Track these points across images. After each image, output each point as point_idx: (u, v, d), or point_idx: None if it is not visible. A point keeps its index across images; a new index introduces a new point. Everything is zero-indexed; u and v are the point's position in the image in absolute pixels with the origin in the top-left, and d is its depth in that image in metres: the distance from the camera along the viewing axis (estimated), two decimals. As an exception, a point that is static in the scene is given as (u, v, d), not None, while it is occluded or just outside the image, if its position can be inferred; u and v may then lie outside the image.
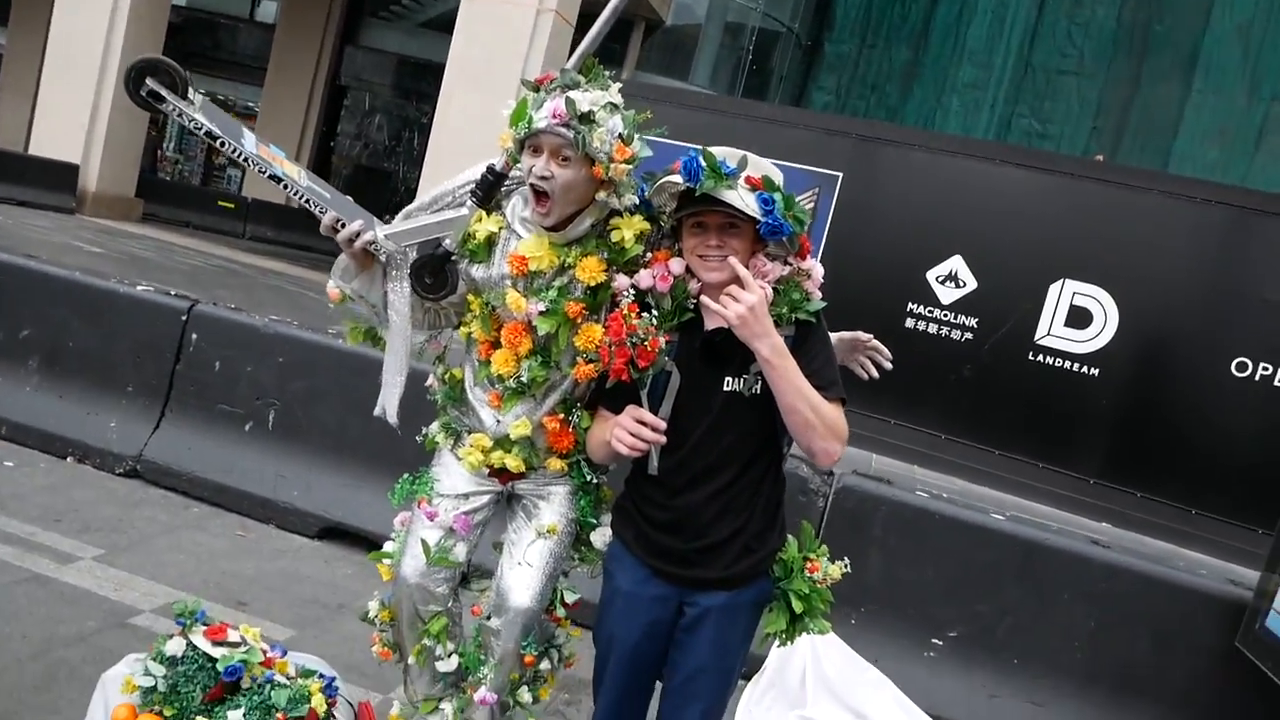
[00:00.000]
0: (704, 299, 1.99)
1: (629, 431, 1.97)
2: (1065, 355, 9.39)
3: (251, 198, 20.30)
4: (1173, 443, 9.07)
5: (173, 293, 4.96)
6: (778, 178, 1.99)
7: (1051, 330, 9.47)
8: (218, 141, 2.01)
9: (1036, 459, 9.46)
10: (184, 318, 4.73)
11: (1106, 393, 9.26)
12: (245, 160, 2.03)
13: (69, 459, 4.76)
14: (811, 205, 10.35)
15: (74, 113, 15.78)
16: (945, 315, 9.81)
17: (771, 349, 1.90)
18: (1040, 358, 9.49)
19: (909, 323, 9.94)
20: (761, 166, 1.98)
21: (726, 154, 1.95)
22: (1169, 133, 15.49)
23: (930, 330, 9.87)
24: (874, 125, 11.90)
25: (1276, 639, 3.20)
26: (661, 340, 2.00)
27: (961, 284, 9.77)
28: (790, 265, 2.04)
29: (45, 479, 4.51)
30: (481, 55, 13.29)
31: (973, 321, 9.70)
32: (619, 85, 2.04)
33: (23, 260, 5.03)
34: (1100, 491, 9.24)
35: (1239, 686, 3.41)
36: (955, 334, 9.80)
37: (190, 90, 2.01)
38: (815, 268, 2.05)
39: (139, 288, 4.91)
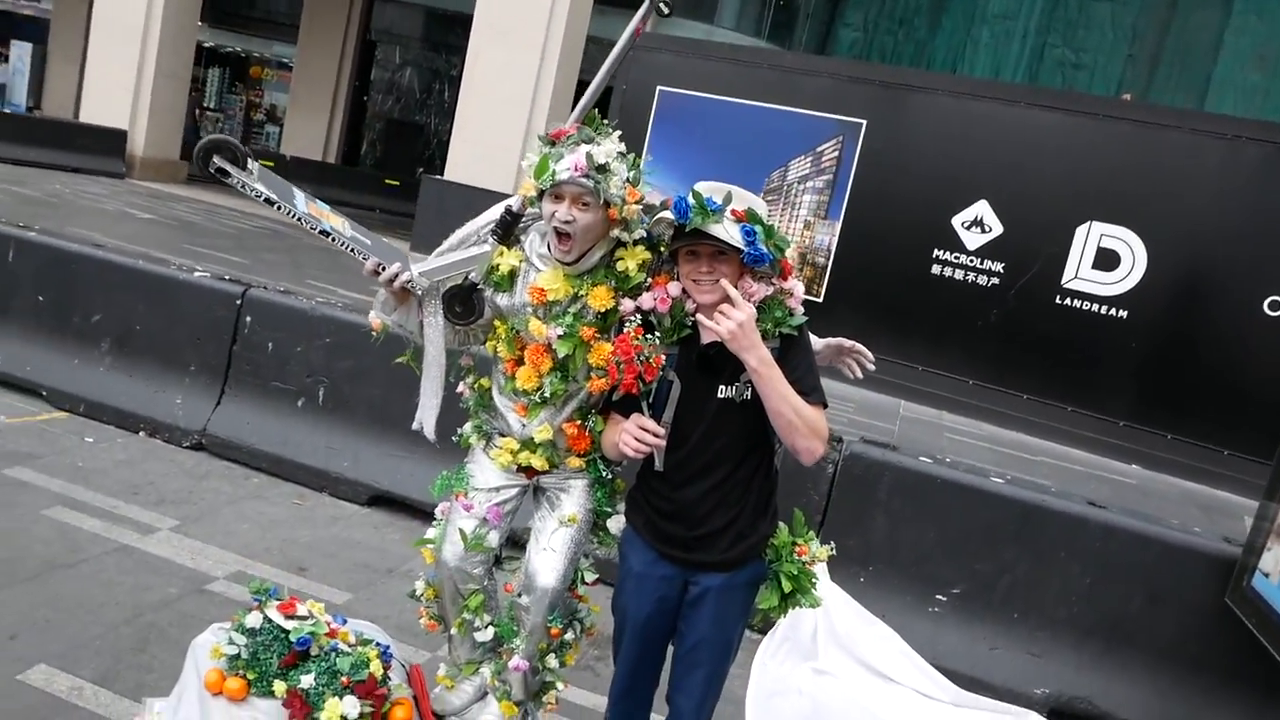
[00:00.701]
0: (700, 317, 2.26)
1: (634, 436, 2.25)
2: (1093, 298, 9.47)
3: (290, 155, 20.65)
4: (1204, 383, 9.12)
5: (227, 277, 5.31)
6: (761, 209, 2.23)
7: (1079, 273, 9.54)
8: (274, 206, 2.30)
9: (1065, 402, 9.59)
10: (238, 302, 5.08)
11: (1136, 335, 9.34)
12: (299, 220, 2.31)
13: (140, 434, 5.17)
14: (835, 154, 10.45)
15: (120, 79, 16.17)
16: (971, 260, 9.92)
17: (759, 360, 2.17)
18: (1068, 301, 9.58)
19: (935, 269, 10.07)
20: (746, 199, 2.22)
21: (713, 190, 2.20)
22: (1208, 58, 15.12)
23: (956, 276, 10.00)
24: (897, 71, 11.87)
25: (1260, 597, 3.44)
26: (663, 356, 2.28)
27: (987, 229, 9.85)
28: (774, 285, 2.29)
29: (122, 453, 4.92)
30: (507, 8, 13.40)
31: (999, 266, 9.81)
32: (620, 133, 2.30)
33: (92, 250, 5.41)
34: (1130, 434, 9.36)
35: (1229, 640, 3.63)
36: (981, 279, 9.91)
37: (249, 161, 2.30)
38: (796, 287, 2.30)
39: (196, 274, 5.26)
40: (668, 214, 2.23)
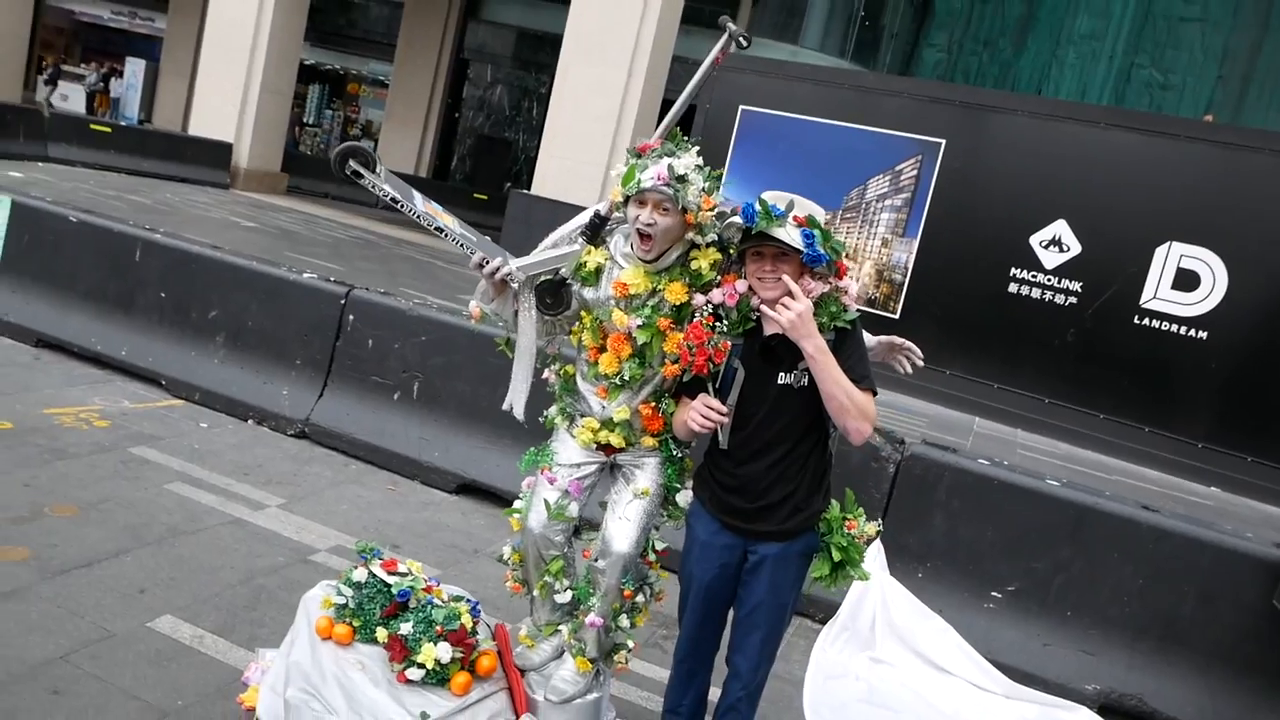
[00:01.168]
0: (764, 309, 2.52)
1: (700, 414, 2.52)
2: (1172, 319, 9.42)
3: (384, 170, 21.45)
4: (1287, 407, 9.00)
5: (332, 279, 5.73)
6: (820, 215, 2.49)
7: (1158, 293, 9.50)
8: (399, 205, 2.65)
9: (1142, 423, 9.55)
10: (342, 301, 5.50)
11: (1216, 356, 9.26)
12: (418, 217, 2.67)
13: (249, 421, 5.61)
14: (914, 173, 10.57)
15: (228, 95, 17.10)
16: (1049, 279, 9.95)
17: (815, 347, 2.42)
18: (1146, 321, 9.54)
19: (1012, 287, 10.12)
20: (806, 207, 2.48)
21: (777, 198, 2.46)
22: (1302, 79, 14.80)
23: (1034, 295, 10.03)
24: (976, 92, 11.93)
25: (1305, 598, 3.55)
26: (729, 344, 2.54)
27: (1065, 248, 9.87)
28: (830, 284, 2.54)
29: (233, 438, 5.37)
30: (596, 28, 13.83)
31: (1077, 285, 9.81)
32: (698, 148, 2.59)
33: (211, 251, 5.90)
34: (1209, 455, 9.27)
35: (1277, 641, 3.75)
36: (1059, 298, 9.93)
37: (378, 165, 2.65)
38: (851, 285, 2.55)
39: (305, 275, 5.71)
40: (737, 219, 2.51)
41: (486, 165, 24.14)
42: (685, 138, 2.63)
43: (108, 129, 17.06)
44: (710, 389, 2.57)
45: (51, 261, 6.24)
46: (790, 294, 2.43)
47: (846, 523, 2.61)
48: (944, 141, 10.39)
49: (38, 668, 2.97)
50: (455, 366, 5.28)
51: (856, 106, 10.86)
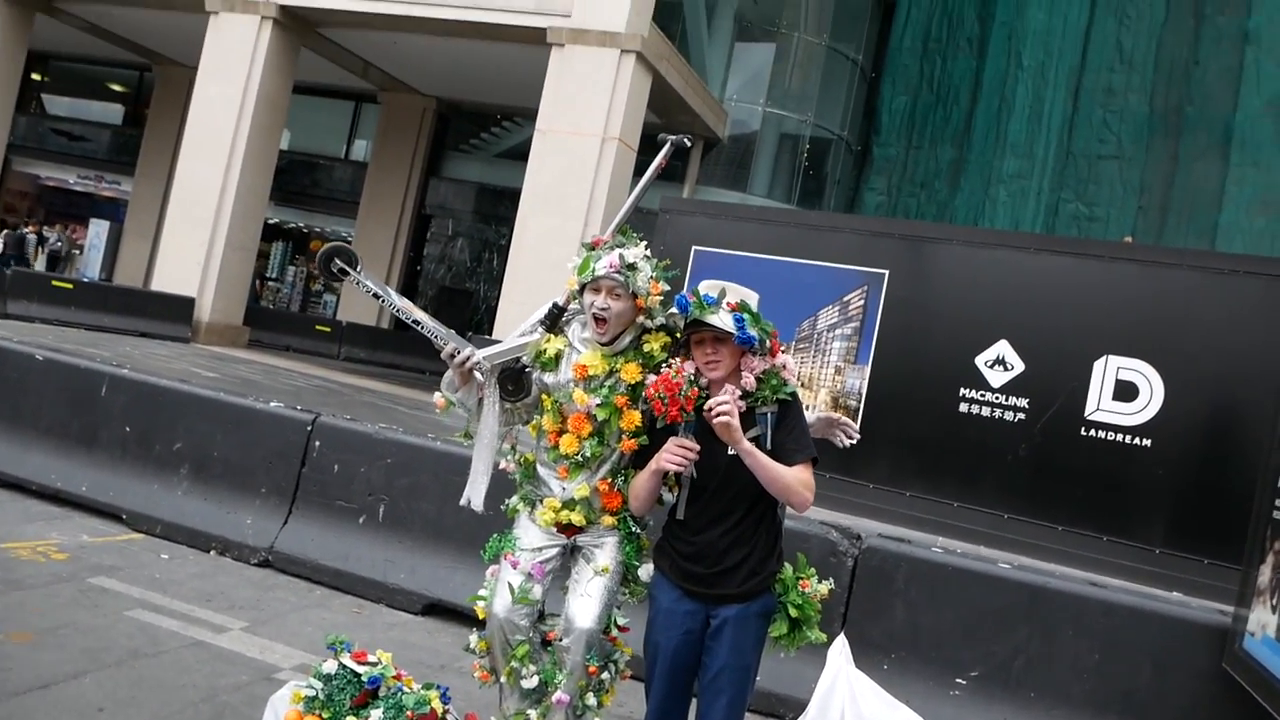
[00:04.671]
0: (708, 418, 2.66)
1: (673, 453, 2.64)
2: (1116, 428, 9.72)
3: (346, 321, 21.79)
4: (1234, 507, 9.18)
5: (299, 407, 5.85)
6: (752, 300, 2.74)
7: (1100, 405, 9.84)
8: (380, 299, 2.89)
9: (1100, 532, 9.68)
10: (309, 428, 5.60)
11: (1161, 462, 9.51)
12: (396, 311, 2.91)
13: (211, 552, 5.59)
14: (861, 303, 11.03)
15: (192, 252, 17.44)
16: (997, 398, 10.27)
17: (746, 449, 2.61)
18: (1092, 432, 9.84)
19: (963, 407, 10.40)
20: (739, 293, 2.73)
21: (710, 287, 2.71)
22: (1213, 207, 15.89)
23: (984, 413, 10.32)
24: (915, 225, 12.61)
25: (1250, 656, 3.66)
26: (698, 390, 2.70)
27: (1010, 367, 10.24)
28: (769, 361, 2.75)
29: (194, 568, 5.34)
30: (553, 181, 14.48)
31: (1024, 402, 10.13)
32: (648, 244, 2.86)
33: (178, 385, 6.02)
34: (1167, 560, 9.38)
35: (1230, 703, 3.80)
36: (1008, 415, 10.23)
37: (358, 264, 2.89)
38: (788, 361, 2.77)
39: (272, 404, 5.82)
40: (674, 311, 2.75)
41: (449, 315, 24.56)
42: (634, 233, 2.89)
43: (69, 285, 17.22)
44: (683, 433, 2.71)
45: (15, 400, 6.28)
46: (729, 396, 2.60)
47: (800, 582, 2.73)
48: (887, 272, 10.88)
49: (-6, 783, 2.93)
50: (421, 487, 5.36)
51: (802, 243, 11.39)
